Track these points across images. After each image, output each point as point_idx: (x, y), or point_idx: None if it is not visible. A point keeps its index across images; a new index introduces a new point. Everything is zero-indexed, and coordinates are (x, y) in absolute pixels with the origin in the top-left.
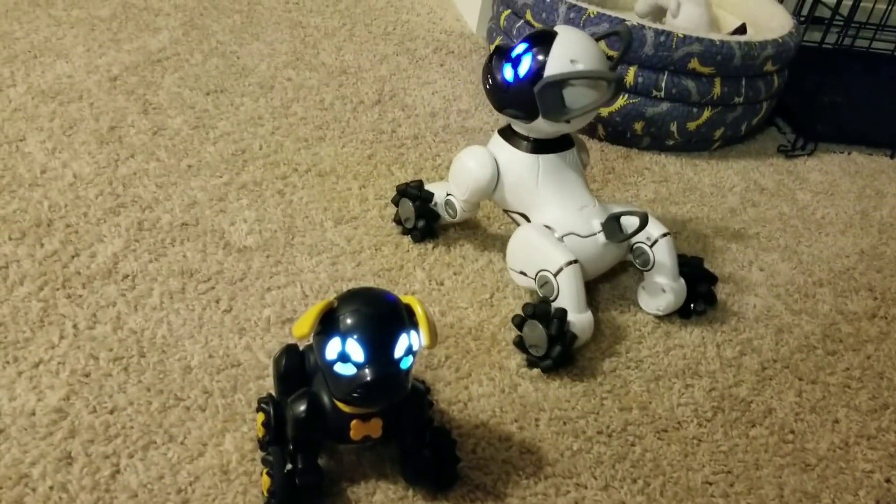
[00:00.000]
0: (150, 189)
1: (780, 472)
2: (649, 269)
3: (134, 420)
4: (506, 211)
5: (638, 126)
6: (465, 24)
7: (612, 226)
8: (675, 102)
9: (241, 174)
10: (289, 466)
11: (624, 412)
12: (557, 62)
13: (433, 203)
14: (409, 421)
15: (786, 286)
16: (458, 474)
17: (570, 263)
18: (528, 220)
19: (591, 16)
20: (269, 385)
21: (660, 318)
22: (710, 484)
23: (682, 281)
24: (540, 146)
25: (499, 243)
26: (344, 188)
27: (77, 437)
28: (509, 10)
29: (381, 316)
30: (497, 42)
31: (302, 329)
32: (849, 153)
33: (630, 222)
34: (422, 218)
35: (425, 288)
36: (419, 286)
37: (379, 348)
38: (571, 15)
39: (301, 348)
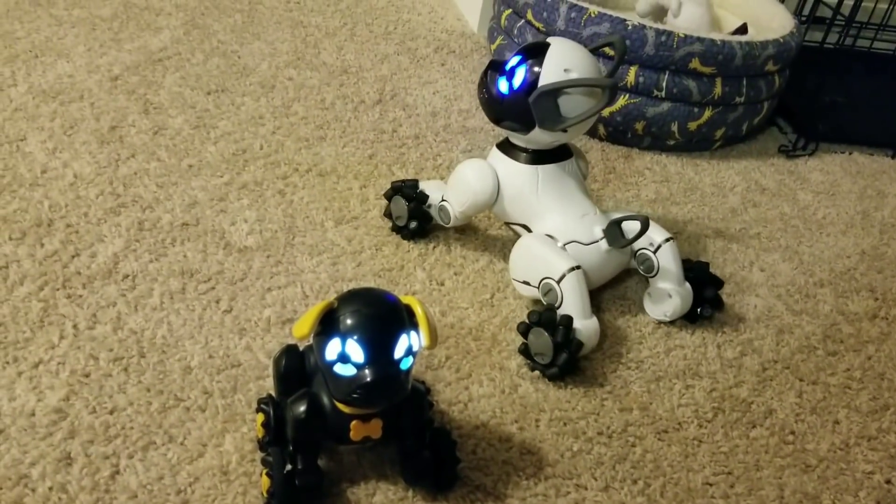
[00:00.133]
0: (150, 189)
1: (781, 473)
2: (654, 276)
3: (134, 420)
4: (507, 223)
5: (639, 126)
6: (466, 23)
7: (613, 231)
8: (676, 102)
9: (242, 174)
10: (289, 467)
11: (624, 413)
12: (551, 72)
13: (427, 205)
14: (409, 422)
15: (787, 286)
16: (459, 475)
17: (572, 269)
18: (529, 231)
19: (592, 15)
20: (269, 385)
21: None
22: (711, 485)
23: (688, 286)
24: (538, 157)
25: (499, 244)
26: (345, 188)
27: (77, 438)
28: (510, 10)
29: (381, 316)
30: (495, 45)
31: (302, 329)
32: (850, 153)
33: (632, 227)
34: (414, 219)
35: (426, 288)
36: (420, 286)
37: (379, 349)
38: (572, 14)
39: (301, 349)
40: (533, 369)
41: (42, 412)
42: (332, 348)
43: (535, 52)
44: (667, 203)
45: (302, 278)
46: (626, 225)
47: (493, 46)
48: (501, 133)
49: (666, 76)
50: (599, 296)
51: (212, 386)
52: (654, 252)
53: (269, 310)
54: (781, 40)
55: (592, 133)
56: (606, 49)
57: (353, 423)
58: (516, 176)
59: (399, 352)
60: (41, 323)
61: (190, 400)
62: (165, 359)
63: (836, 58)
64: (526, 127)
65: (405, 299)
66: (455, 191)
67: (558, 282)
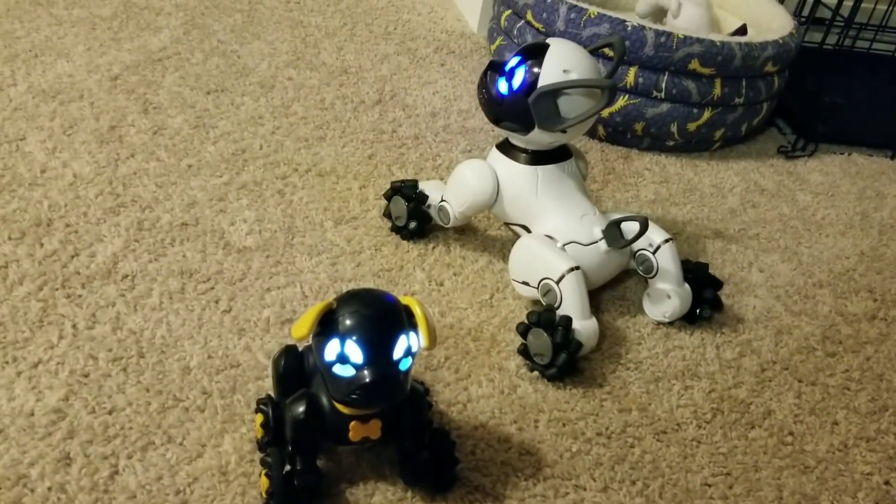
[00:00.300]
0: (149, 189)
1: (779, 474)
2: (653, 276)
3: (133, 421)
4: (506, 224)
5: (638, 127)
6: (465, 23)
7: (612, 232)
8: (676, 103)
9: (242, 174)
10: (287, 468)
11: (623, 414)
12: (551, 72)
13: (426, 206)
14: (408, 422)
15: (785, 287)
16: (457, 476)
17: (571, 270)
18: (528, 231)
19: (592, 16)
20: (268, 386)
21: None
22: (709, 486)
23: (687, 286)
24: (538, 158)
25: (499, 244)
26: (344, 188)
27: (76, 438)
28: (510, 11)
29: (380, 317)
30: (495, 45)
31: (301, 330)
32: (849, 154)
33: (631, 228)
34: (413, 219)
35: (425, 289)
36: (419, 287)
37: (378, 349)
38: (572, 15)
39: (300, 349)
40: (532, 370)
41: (41, 412)
42: (331, 349)
43: (534, 53)
44: (666, 204)
45: (301, 278)
46: (625, 226)
47: (493, 47)
48: (501, 133)
49: (665, 77)
50: (598, 296)
51: (211, 386)
52: (654, 253)
53: (268, 310)
54: (781, 41)
55: (592, 134)
56: (606, 50)
57: (352, 423)
58: (516, 176)
59: (398, 352)
60: (40, 323)
61: (189, 400)
62: (164, 359)
63: (835, 59)
64: (525, 127)
65: (404, 300)
66: (454, 191)
67: (557, 282)
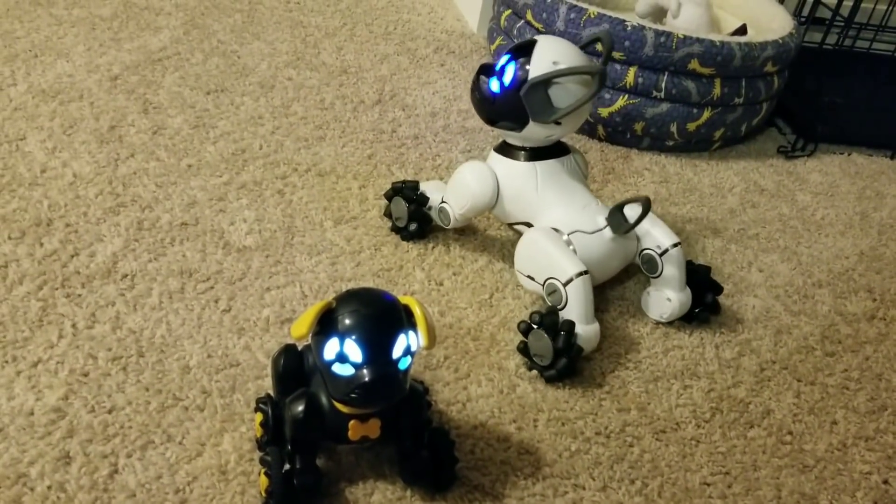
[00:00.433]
0: (149, 188)
1: (778, 474)
2: (656, 277)
3: (132, 420)
4: (509, 224)
5: (638, 126)
6: (465, 24)
7: (616, 217)
8: (675, 103)
9: (241, 174)
10: (287, 467)
11: (622, 413)
12: (540, 65)
13: (427, 207)
14: (407, 421)
15: (785, 287)
16: (457, 475)
17: (580, 274)
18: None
19: (592, 16)
20: (267, 385)
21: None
22: (708, 485)
23: (689, 291)
24: (536, 154)
25: (498, 244)
26: (344, 188)
27: (75, 437)
28: (510, 11)
29: (379, 316)
30: (494, 45)
31: (300, 329)
32: (849, 154)
33: (635, 212)
34: (414, 221)
35: (424, 288)
36: (418, 286)
37: (377, 349)
38: (572, 15)
39: (300, 348)
40: (531, 369)
41: (41, 411)
42: (331, 348)
43: (523, 51)
44: (666, 203)
45: (301, 278)
46: (629, 211)
47: (493, 47)
48: (500, 134)
49: (665, 77)
50: (598, 295)
51: (210, 385)
52: (660, 255)
53: (267, 309)
54: (780, 41)
55: (591, 134)
56: (599, 47)
57: (352, 422)
58: (515, 174)
59: (397, 351)
60: (40, 322)
61: (188, 399)
62: (164, 358)
63: (835, 59)
64: (520, 123)
65: (403, 299)
66: (454, 193)
67: (565, 285)
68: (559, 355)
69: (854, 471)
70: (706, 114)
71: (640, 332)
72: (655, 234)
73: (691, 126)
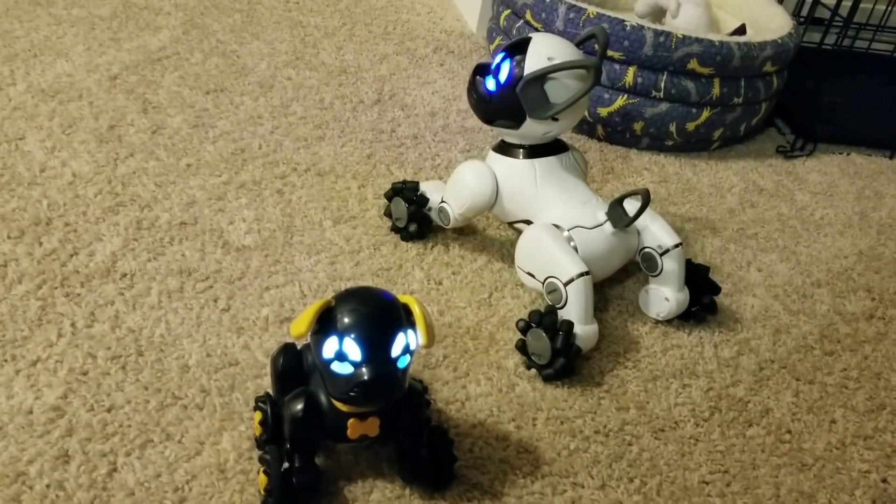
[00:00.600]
0: (149, 188)
1: (777, 472)
2: (656, 276)
3: (131, 419)
4: (509, 224)
5: (637, 126)
6: (465, 23)
7: (616, 211)
8: (675, 103)
9: (241, 173)
10: (286, 465)
11: (621, 412)
12: (535, 61)
13: (427, 208)
14: (406, 420)
15: (784, 287)
16: (456, 473)
17: (581, 275)
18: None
19: (591, 16)
20: (266, 384)
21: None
22: (707, 483)
23: (686, 291)
24: (534, 152)
25: (497, 243)
26: (343, 188)
27: (74, 436)
28: (509, 10)
29: (378, 315)
30: (494, 45)
31: (299, 328)
32: (848, 154)
33: (635, 206)
34: (414, 222)
35: (424, 287)
36: (417, 286)
37: (376, 347)
38: (571, 15)
39: (299, 347)
40: (529, 367)
41: (40, 410)
42: (330, 346)
43: (518, 49)
44: (665, 203)
45: (300, 277)
46: (628, 205)
47: (492, 47)
48: (498, 132)
49: (664, 77)
50: (598, 294)
51: (209, 384)
52: (661, 255)
53: (266, 309)
54: (780, 41)
55: (591, 133)
56: (596, 47)
57: (351, 421)
58: (514, 172)
59: (396, 350)
60: (39, 321)
61: (187, 398)
62: (163, 357)
63: (834, 59)
64: (517, 121)
65: (403, 298)
66: (454, 193)
67: (565, 284)
68: (557, 355)
69: (853, 469)
70: (705, 114)
71: (640, 332)
72: (657, 233)
73: (690, 126)
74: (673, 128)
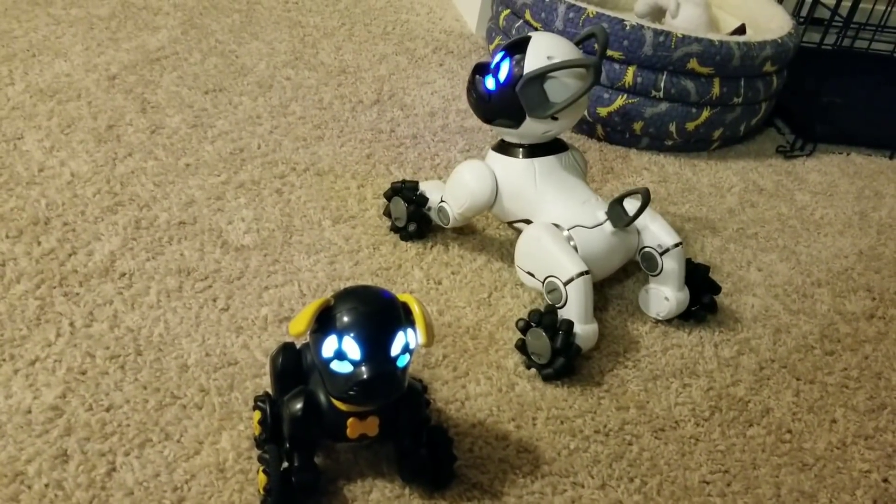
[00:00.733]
0: (147, 188)
1: (778, 472)
2: (656, 275)
3: (130, 418)
4: (509, 223)
5: (637, 126)
6: (464, 23)
7: (616, 211)
8: (674, 102)
9: (239, 173)
10: (285, 464)
11: (621, 411)
12: (535, 60)
13: (426, 208)
14: (405, 419)
15: (784, 286)
16: (455, 473)
17: (581, 274)
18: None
19: (591, 16)
20: (265, 383)
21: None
22: (708, 483)
23: (687, 290)
24: (534, 151)
25: (497, 243)
26: (342, 187)
27: (73, 435)
28: (508, 10)
29: (377, 314)
30: (493, 45)
31: (298, 327)
32: (848, 154)
33: (635, 205)
34: (413, 221)
35: (423, 287)
36: (417, 285)
37: (376, 346)
38: (570, 15)
39: (298, 346)
40: (529, 367)
41: (38, 409)
42: (329, 345)
43: (517, 47)
44: (664, 203)
45: (299, 277)
46: (628, 205)
47: (492, 47)
48: (497, 132)
49: (664, 76)
50: (597, 294)
51: (208, 384)
52: (661, 255)
53: (266, 308)
54: (779, 41)
55: (590, 133)
56: (596, 46)
57: (350, 420)
58: (514, 172)
59: (396, 349)
60: (38, 321)
61: (186, 398)
62: (162, 357)
63: (834, 59)
64: (516, 120)
65: (402, 297)
66: (453, 193)
67: (565, 284)
68: (557, 354)
69: (853, 469)
70: (705, 113)
71: (640, 331)
72: (657, 232)
73: (690, 126)
74: (672, 127)
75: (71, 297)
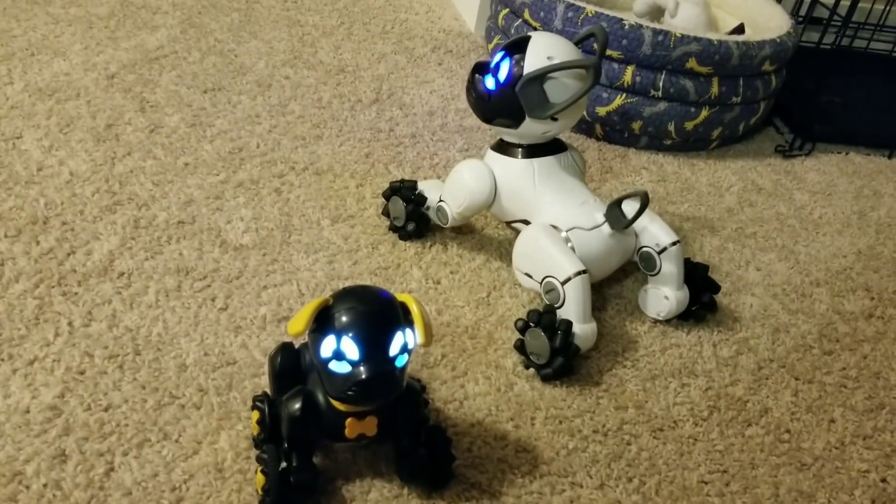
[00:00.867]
0: (146, 187)
1: (776, 472)
2: (654, 275)
3: (129, 418)
4: (507, 223)
5: (636, 125)
6: (463, 23)
7: (614, 213)
8: (673, 102)
9: (238, 172)
10: (284, 464)
11: (620, 411)
12: (535, 60)
13: (425, 207)
14: (404, 419)
15: (783, 286)
16: (454, 473)
17: (578, 273)
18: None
19: (589, 15)
20: (264, 383)
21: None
22: (706, 483)
23: (686, 289)
24: (533, 151)
25: (496, 242)
26: (341, 187)
27: (71, 435)
28: (507, 9)
29: (376, 314)
30: (492, 44)
31: (297, 327)
32: (846, 153)
33: (633, 207)
34: (412, 221)
35: (422, 287)
36: (416, 285)
37: (374, 346)
38: (569, 14)
39: (296, 346)
40: (528, 367)
41: (37, 409)
42: (328, 345)
43: (517, 47)
44: (663, 202)
45: (298, 276)
46: (627, 207)
47: (491, 46)
48: (497, 131)
49: (663, 76)
50: (596, 293)
51: (207, 383)
52: (659, 253)
53: (264, 308)
54: (778, 40)
55: (589, 132)
56: (595, 46)
57: (349, 420)
58: (513, 172)
59: (394, 349)
60: (36, 320)
61: (185, 397)
62: (161, 356)
63: (832, 58)
64: (516, 120)
65: (401, 297)
66: (452, 192)
67: (563, 283)
68: (556, 354)
69: (852, 469)
70: (704, 113)
71: (638, 331)
72: (654, 232)
73: (689, 125)
74: (671, 127)
75: (69, 296)
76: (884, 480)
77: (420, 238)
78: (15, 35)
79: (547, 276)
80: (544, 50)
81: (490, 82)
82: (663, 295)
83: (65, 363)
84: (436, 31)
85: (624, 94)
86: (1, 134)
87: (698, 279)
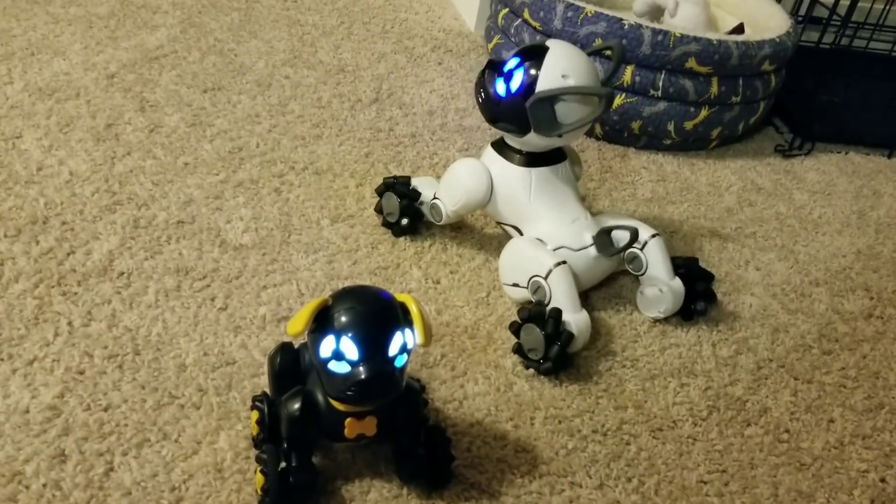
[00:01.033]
0: (146, 186)
1: (775, 472)
2: (643, 273)
3: (128, 418)
4: (499, 223)
5: (635, 125)
6: (463, 22)
7: (603, 240)
8: (673, 102)
9: (238, 172)
10: (283, 465)
11: (619, 411)
12: (549, 77)
13: (419, 202)
14: (403, 419)
15: (782, 286)
16: (453, 473)
17: (558, 265)
18: (520, 232)
19: (589, 15)
20: (263, 383)
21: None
22: (705, 483)
23: (679, 281)
24: (532, 159)
25: (495, 242)
26: (341, 186)
27: (71, 435)
28: (507, 9)
29: (375, 314)
30: (492, 44)
31: (296, 327)
32: (846, 153)
33: (622, 235)
34: (406, 216)
35: (421, 286)
36: (415, 285)
37: (373, 346)
38: (569, 14)
39: (296, 346)
40: (528, 367)
41: (36, 409)
42: (327, 345)
43: (533, 55)
44: (663, 202)
45: (297, 276)
46: (616, 233)
47: (490, 46)
48: (497, 132)
49: (662, 75)
50: (594, 295)
51: (206, 383)
52: (642, 249)
53: (264, 308)
54: (778, 40)
55: (589, 132)
56: (607, 52)
57: (348, 420)
58: (510, 177)
59: (393, 349)
60: (36, 320)
61: (184, 397)
62: (160, 356)
63: (832, 58)
64: (521, 130)
65: (400, 297)
66: (448, 189)
67: (545, 277)
68: (550, 343)
69: (851, 469)
70: (703, 112)
71: (637, 331)
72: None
73: (688, 125)
74: (671, 126)
75: (69, 296)
76: (883, 480)
77: (413, 234)
78: (15, 35)
79: (531, 277)
80: (561, 67)
81: (501, 88)
82: (657, 289)
83: (64, 363)
84: (435, 30)
85: (623, 94)
86: (1, 134)
87: (691, 271)
